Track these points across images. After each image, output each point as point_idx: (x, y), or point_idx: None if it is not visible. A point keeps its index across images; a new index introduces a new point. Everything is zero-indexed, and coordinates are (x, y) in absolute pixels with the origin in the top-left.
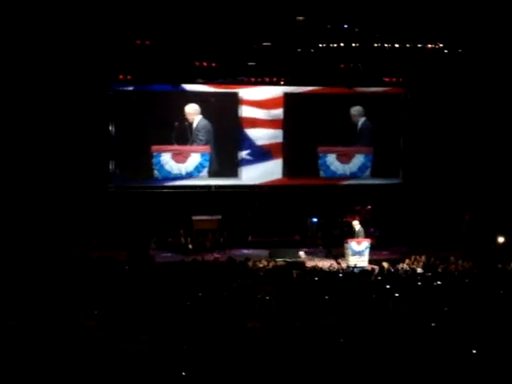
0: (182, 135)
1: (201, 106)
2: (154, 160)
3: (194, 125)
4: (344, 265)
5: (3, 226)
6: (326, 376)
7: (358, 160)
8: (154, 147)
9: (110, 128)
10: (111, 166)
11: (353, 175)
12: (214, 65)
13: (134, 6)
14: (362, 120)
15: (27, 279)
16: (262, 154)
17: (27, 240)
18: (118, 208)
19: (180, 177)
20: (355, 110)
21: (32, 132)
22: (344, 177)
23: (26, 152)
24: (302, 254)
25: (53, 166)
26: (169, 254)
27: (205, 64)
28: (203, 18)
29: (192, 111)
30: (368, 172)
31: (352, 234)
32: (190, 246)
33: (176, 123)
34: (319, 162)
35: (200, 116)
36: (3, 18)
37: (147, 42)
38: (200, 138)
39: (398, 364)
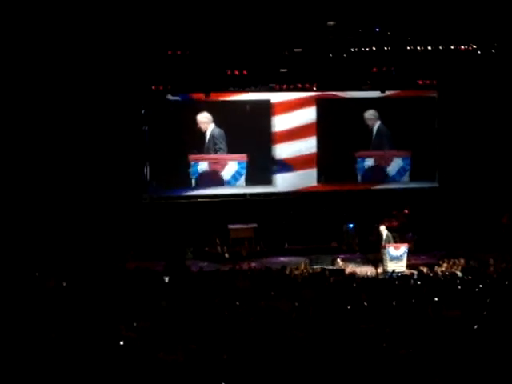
0: (196, 144)
1: (233, 114)
2: (192, 169)
3: (208, 133)
4: (382, 270)
5: (40, 238)
6: (366, 382)
7: (397, 164)
8: (192, 156)
9: (145, 136)
10: (146, 177)
11: (392, 179)
12: (245, 73)
13: (164, 17)
14: (377, 124)
15: (66, 292)
16: (296, 164)
17: (64, 252)
18: (153, 218)
19: (218, 185)
20: (369, 113)
21: (69, 144)
22: (382, 181)
23: (63, 164)
24: (339, 260)
25: (88, 177)
26: (205, 264)
27: (236, 72)
28: (233, 27)
29: (205, 120)
30: (407, 176)
31: (380, 241)
32: (227, 255)
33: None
34: (357, 166)
35: (213, 124)
36: (44, 25)
37: (178, 52)
38: (221, 146)
39: (438, 368)
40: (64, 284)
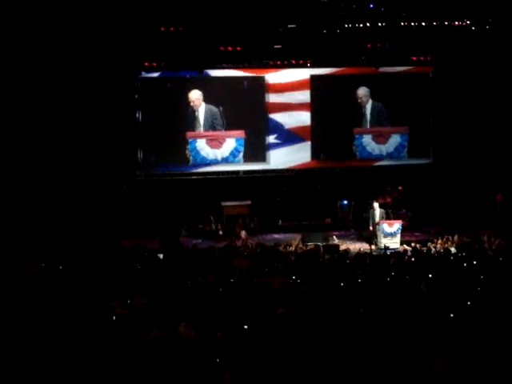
0: (191, 122)
1: (227, 90)
2: (190, 146)
3: (202, 111)
4: (376, 247)
5: (33, 217)
6: (359, 359)
7: (395, 140)
8: (189, 133)
9: (137, 116)
10: (139, 154)
11: (389, 155)
12: (239, 49)
13: None
14: (370, 101)
15: (60, 269)
16: (289, 137)
17: (58, 231)
18: (147, 195)
19: (216, 162)
20: (362, 91)
21: (59, 122)
22: (380, 157)
23: (55, 142)
24: (335, 238)
25: (81, 156)
26: (200, 241)
27: (230, 48)
28: (227, 2)
29: (197, 96)
30: (405, 152)
31: (372, 218)
32: (221, 232)
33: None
34: (355, 143)
35: (204, 103)
36: (29, 9)
37: (171, 29)
38: (219, 123)
39: (432, 345)
40: (57, 264)
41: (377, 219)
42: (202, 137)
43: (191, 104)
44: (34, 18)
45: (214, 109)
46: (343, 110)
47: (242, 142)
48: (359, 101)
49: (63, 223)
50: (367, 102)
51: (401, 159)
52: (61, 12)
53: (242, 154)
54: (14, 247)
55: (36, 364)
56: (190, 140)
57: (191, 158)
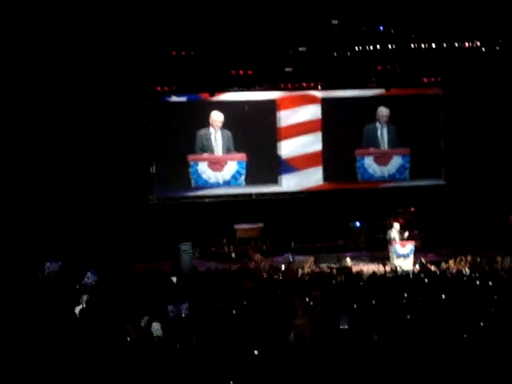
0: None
1: (237, 113)
2: (191, 169)
3: (219, 133)
4: (389, 268)
5: (47, 238)
6: (374, 379)
7: (396, 162)
8: (191, 157)
9: (149, 136)
10: (152, 178)
11: (391, 177)
12: (250, 72)
13: (168, 18)
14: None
15: (73, 293)
16: (301, 163)
17: (72, 253)
18: (160, 219)
19: (217, 185)
20: (385, 111)
21: (76, 145)
22: (382, 179)
23: (70, 164)
24: (348, 260)
25: (94, 178)
26: (212, 264)
27: (241, 72)
28: (238, 26)
29: (219, 119)
30: (407, 173)
31: (390, 238)
32: (233, 255)
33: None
34: (357, 165)
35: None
36: (48, 26)
37: (183, 53)
38: (231, 146)
39: (446, 365)
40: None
41: (397, 239)
42: (203, 160)
43: (213, 125)
44: (53, 31)
45: (228, 131)
46: (350, 132)
47: (244, 164)
48: (377, 121)
49: (76, 246)
50: (385, 123)
51: (403, 181)
52: (78, 31)
53: (243, 177)
54: (26, 268)
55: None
56: (191, 163)
57: (193, 181)
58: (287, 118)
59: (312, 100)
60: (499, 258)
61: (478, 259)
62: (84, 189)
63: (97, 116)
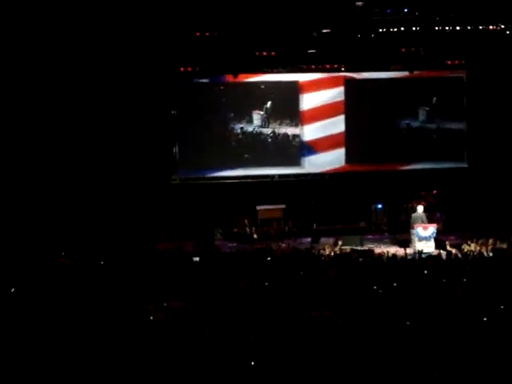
0: None
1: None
2: None
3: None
4: (410, 250)
5: (73, 220)
6: (395, 360)
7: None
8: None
9: (173, 118)
10: (176, 158)
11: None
12: (273, 54)
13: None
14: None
15: (96, 273)
16: (323, 145)
17: (95, 234)
18: (182, 199)
19: None
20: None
21: (101, 127)
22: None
23: (95, 147)
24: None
25: (118, 159)
26: (234, 244)
27: (264, 53)
28: (261, 8)
29: None
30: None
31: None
32: (255, 236)
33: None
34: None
35: None
36: (73, 12)
37: (207, 34)
38: None
39: (466, 347)
40: (95, 266)
41: (421, 221)
42: None
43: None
44: (80, 26)
45: None
46: (374, 113)
47: None
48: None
49: (99, 227)
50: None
51: (431, 162)
52: (102, 13)
53: None
54: (51, 249)
55: (70, 364)
56: None
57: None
58: (310, 100)
59: (335, 83)
60: None
61: (499, 242)
62: (109, 169)
63: (121, 97)
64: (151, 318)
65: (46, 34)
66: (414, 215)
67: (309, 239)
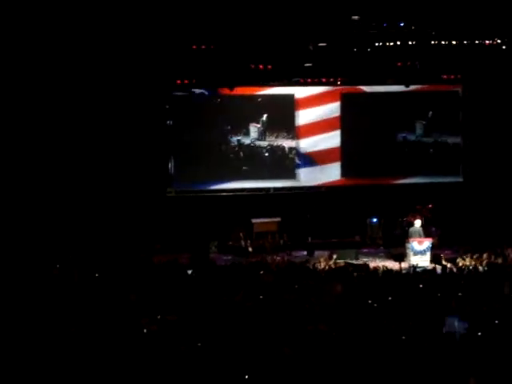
0: None
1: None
2: None
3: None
4: (405, 265)
5: (67, 231)
6: (390, 373)
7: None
8: None
9: (168, 130)
10: (170, 170)
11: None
12: (269, 67)
13: (189, 12)
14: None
15: (91, 284)
16: (319, 158)
17: (91, 246)
18: (178, 212)
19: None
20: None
21: (96, 138)
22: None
23: (89, 158)
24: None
25: (114, 172)
26: (229, 257)
27: (261, 67)
28: (258, 21)
29: None
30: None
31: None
32: (250, 249)
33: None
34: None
35: None
36: (69, 22)
37: (203, 47)
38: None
39: (463, 361)
40: (88, 277)
41: (417, 236)
42: None
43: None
44: (76, 37)
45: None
46: (371, 127)
47: None
48: None
49: (94, 238)
50: None
51: (426, 177)
52: (98, 24)
53: None
54: (45, 261)
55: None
56: None
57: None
58: (306, 116)
59: (331, 98)
60: None
61: (495, 257)
62: (104, 182)
63: (117, 109)
64: (145, 330)
65: (45, 43)
66: (411, 229)
67: (304, 252)
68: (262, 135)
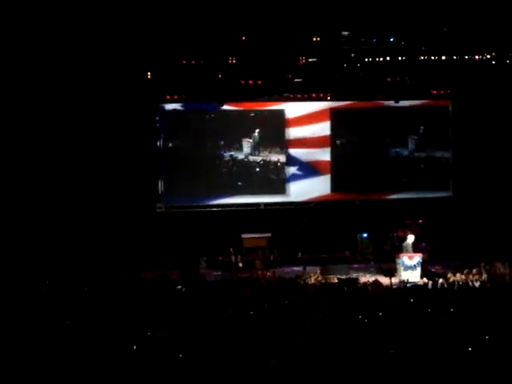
0: None
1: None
2: None
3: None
4: (396, 280)
5: (54, 247)
6: None
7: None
8: None
9: (158, 144)
10: (160, 186)
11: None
12: (259, 83)
13: (178, 27)
14: None
15: (80, 301)
16: (309, 170)
17: (79, 262)
18: (167, 227)
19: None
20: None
21: (84, 155)
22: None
23: (78, 174)
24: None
25: (102, 187)
26: (219, 273)
27: (250, 82)
28: (247, 37)
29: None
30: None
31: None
32: (240, 265)
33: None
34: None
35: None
36: (58, 33)
37: (193, 62)
38: None
39: (454, 377)
40: (77, 292)
41: (410, 250)
42: None
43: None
44: (64, 47)
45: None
46: (360, 143)
47: None
48: None
49: (82, 255)
50: None
51: (415, 192)
52: (85, 40)
53: None
54: (31, 278)
55: None
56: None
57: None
58: (297, 132)
59: (321, 117)
60: (506, 270)
61: (485, 271)
62: (92, 197)
63: (105, 123)
64: (134, 347)
65: (34, 52)
66: (404, 244)
67: (294, 268)
68: (255, 150)
